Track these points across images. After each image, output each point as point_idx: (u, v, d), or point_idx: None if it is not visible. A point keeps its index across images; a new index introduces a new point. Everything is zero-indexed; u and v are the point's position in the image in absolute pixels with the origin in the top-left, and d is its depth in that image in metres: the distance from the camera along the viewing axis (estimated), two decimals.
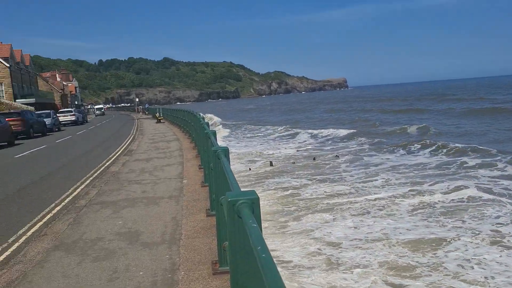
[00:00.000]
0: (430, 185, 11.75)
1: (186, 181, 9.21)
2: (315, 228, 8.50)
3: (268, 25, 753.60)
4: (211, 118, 47.95)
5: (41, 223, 6.83)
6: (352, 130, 26.71)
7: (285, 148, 21.54)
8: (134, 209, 7.13)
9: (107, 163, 12.90)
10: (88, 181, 10.06)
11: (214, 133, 6.36)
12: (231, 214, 2.36)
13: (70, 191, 9.14)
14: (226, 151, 4.32)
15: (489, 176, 12.55)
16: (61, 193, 8.98)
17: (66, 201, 8.23)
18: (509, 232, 7.76)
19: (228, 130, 35.32)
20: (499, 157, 15.21)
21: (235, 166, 15.86)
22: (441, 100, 58.97)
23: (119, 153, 15.49)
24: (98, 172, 11.35)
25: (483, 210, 9.11)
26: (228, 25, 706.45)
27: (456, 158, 15.61)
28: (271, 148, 21.81)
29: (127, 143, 18.99)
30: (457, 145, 18.23)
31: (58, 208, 7.72)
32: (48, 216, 7.17)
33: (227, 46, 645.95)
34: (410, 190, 11.10)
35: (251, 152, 20.10)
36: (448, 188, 11.48)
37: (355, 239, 7.89)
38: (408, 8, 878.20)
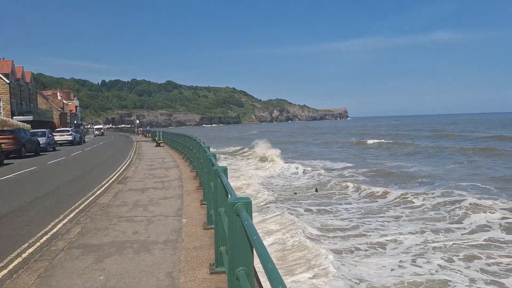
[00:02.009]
0: None
1: (186, 221, 7.91)
2: None
3: (272, 53, 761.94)
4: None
5: (5, 271, 5.50)
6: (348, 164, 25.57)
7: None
8: (121, 258, 5.81)
9: (98, 192, 11.60)
10: (72, 215, 8.74)
11: (225, 170, 5.11)
12: None
13: (49, 227, 7.82)
14: (248, 204, 3.07)
15: None
16: (38, 229, 7.66)
17: (42, 240, 6.91)
18: None
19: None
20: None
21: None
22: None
23: (112, 179, 14.20)
24: (86, 203, 10.04)
25: None
26: (232, 53, 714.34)
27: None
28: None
29: (122, 168, 17.72)
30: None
31: (30, 250, 6.40)
32: (16, 262, 5.84)
33: (230, 71, 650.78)
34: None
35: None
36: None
37: None
38: (412, 43, 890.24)
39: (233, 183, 18.64)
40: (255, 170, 26.54)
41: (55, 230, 7.58)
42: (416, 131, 77.26)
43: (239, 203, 3.07)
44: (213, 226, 6.29)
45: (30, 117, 50.67)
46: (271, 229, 11.84)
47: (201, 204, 9.20)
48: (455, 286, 8.16)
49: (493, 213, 13.20)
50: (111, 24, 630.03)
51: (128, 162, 20.86)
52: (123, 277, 5.12)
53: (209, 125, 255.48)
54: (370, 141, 46.95)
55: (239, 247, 3.08)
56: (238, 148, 48.72)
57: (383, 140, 47.06)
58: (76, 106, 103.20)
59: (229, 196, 3.87)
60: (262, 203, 15.47)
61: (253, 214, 12.93)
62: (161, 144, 35.06)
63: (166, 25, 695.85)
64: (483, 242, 10.80)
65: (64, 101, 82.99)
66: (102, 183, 13.36)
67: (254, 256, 3.08)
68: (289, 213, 13.30)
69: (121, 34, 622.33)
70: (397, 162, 28.86)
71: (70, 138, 40.87)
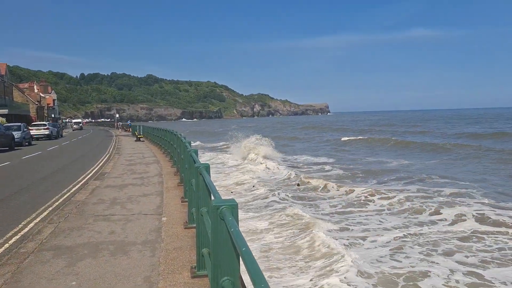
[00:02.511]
0: None
1: (166, 219, 7.56)
2: None
3: (254, 48, 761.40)
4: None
5: None
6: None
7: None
8: (95, 261, 5.44)
9: (74, 189, 11.13)
10: (45, 213, 8.29)
11: (207, 168, 4.79)
12: None
13: (20, 226, 7.38)
14: (233, 207, 2.77)
15: None
16: (8, 229, 7.21)
17: (10, 242, 6.48)
18: None
19: None
20: None
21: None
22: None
23: (89, 175, 13.70)
24: (61, 200, 9.58)
25: None
26: (214, 47, 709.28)
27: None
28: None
29: (100, 164, 17.18)
30: None
31: None
32: None
33: (211, 65, 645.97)
34: None
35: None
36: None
37: None
38: (392, 39, 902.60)
39: (218, 182, 18.34)
40: (241, 166, 26.15)
41: (26, 230, 7.14)
42: (393, 126, 78.06)
43: (224, 206, 2.77)
44: (194, 225, 5.97)
45: (5, 111, 49.19)
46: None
47: (182, 202, 8.86)
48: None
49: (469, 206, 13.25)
50: (91, 16, 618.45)
51: (106, 157, 20.29)
52: (97, 282, 4.77)
53: (190, 120, 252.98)
54: (344, 138, 46.90)
55: (224, 255, 2.78)
56: (220, 143, 48.28)
57: (360, 137, 47.22)
58: (53, 100, 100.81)
59: (212, 197, 3.56)
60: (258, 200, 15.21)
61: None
62: (141, 139, 34.40)
63: (147, 18, 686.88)
64: (464, 235, 10.77)
65: (41, 94, 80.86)
66: (79, 179, 12.86)
67: (241, 263, 2.80)
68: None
69: (100, 26, 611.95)
70: (375, 158, 28.94)
71: (47, 132, 39.77)
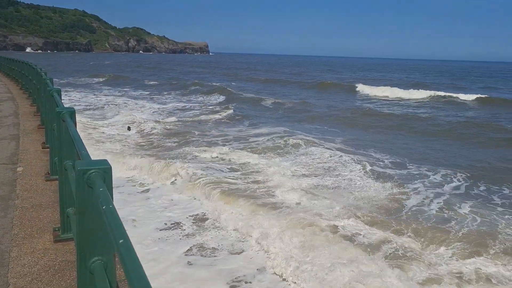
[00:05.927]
0: None
1: (22, 169, 6.44)
2: None
3: None
4: None
5: None
6: None
7: None
8: None
9: None
10: None
11: (72, 114, 3.95)
12: None
13: None
14: (106, 171, 2.16)
15: None
16: None
17: None
18: None
19: None
20: None
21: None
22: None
23: None
24: None
25: None
26: None
27: None
28: None
29: None
30: None
31: None
32: None
33: None
34: None
35: None
36: None
37: None
38: None
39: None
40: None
41: None
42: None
43: (93, 171, 2.14)
44: (58, 177, 5.12)
45: None
46: None
47: (43, 148, 7.67)
48: None
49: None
50: None
51: None
52: None
53: (33, 51, 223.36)
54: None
55: (93, 232, 2.19)
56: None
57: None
58: None
59: (79, 154, 2.85)
60: None
61: None
62: None
63: None
64: None
65: None
66: None
67: None
68: None
69: None
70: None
71: None
